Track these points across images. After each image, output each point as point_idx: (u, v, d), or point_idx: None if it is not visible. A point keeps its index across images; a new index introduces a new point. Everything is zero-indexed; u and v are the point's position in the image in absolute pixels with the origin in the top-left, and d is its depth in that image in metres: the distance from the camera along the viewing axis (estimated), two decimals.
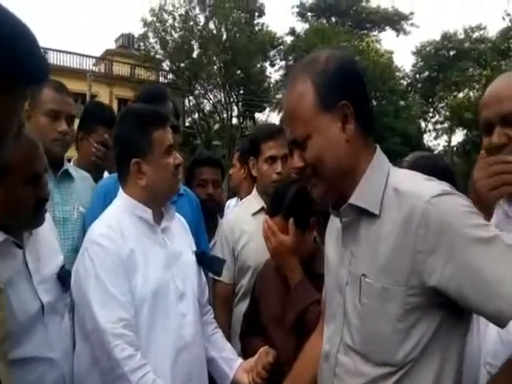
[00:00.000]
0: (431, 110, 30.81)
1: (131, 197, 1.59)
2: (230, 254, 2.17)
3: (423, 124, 31.02)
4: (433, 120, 31.16)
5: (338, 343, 1.16)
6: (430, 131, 31.40)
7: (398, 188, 1.06)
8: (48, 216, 1.68)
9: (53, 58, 23.86)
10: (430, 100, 30.12)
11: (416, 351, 1.02)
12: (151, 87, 2.58)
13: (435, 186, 1.04)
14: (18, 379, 1.29)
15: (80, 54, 25.36)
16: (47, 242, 1.56)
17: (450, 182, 1.49)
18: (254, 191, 2.28)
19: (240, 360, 1.73)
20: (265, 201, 2.15)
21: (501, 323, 0.95)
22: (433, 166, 1.75)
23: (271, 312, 1.74)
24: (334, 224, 1.25)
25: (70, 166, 2.17)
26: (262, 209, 2.15)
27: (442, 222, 0.97)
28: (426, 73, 30.31)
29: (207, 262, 1.79)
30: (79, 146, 2.53)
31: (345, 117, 1.10)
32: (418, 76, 31.06)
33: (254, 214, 2.18)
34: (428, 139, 31.25)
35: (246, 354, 1.81)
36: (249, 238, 2.14)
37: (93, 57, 26.55)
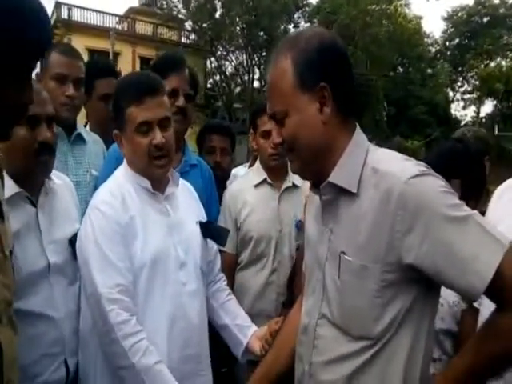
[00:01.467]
0: (460, 78, 29.87)
1: (129, 166, 1.61)
2: (232, 224, 2.21)
3: (451, 93, 30.21)
4: (461, 89, 30.34)
5: (316, 317, 1.18)
6: (457, 101, 30.63)
7: (376, 167, 1.08)
8: (71, 186, 1.73)
9: (76, 16, 23.80)
10: (460, 69, 29.13)
11: (393, 325, 1.05)
12: (167, 55, 2.46)
13: (413, 166, 1.05)
14: (21, 333, 1.29)
15: (103, 12, 25.11)
16: (64, 208, 1.58)
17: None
18: (258, 163, 2.32)
19: (254, 327, 1.74)
20: (266, 173, 2.23)
21: (473, 298, 1.03)
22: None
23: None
24: (314, 201, 1.27)
25: (83, 130, 2.15)
26: (265, 181, 2.22)
27: (418, 202, 0.99)
28: (457, 40, 29.23)
29: (212, 232, 1.77)
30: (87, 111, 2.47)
31: (323, 98, 1.10)
32: (447, 43, 29.97)
33: (257, 185, 2.23)
34: (455, 109, 30.61)
35: None
36: (251, 210, 2.19)
37: (116, 15, 26.29)
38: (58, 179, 1.63)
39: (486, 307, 1.13)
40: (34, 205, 1.49)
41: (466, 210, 1.01)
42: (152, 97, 1.52)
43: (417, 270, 1.01)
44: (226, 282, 1.87)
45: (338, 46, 1.16)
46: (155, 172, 1.57)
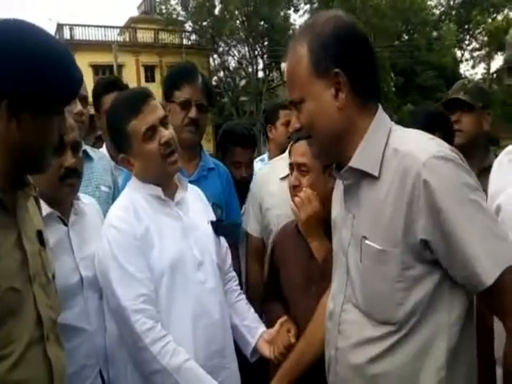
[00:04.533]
0: (467, 37, 28.88)
1: (138, 179, 1.64)
2: (258, 209, 2.26)
3: (459, 53, 29.19)
4: (469, 48, 29.26)
5: (341, 302, 1.20)
6: (466, 60, 29.61)
7: (397, 148, 1.07)
8: (97, 206, 1.80)
9: (79, 34, 24.37)
10: (466, 27, 28.22)
11: (418, 311, 1.05)
12: (180, 65, 2.45)
13: (433, 146, 1.04)
14: None
15: (104, 26, 25.59)
16: (92, 226, 1.62)
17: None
18: (286, 153, 2.13)
19: (262, 328, 1.77)
20: None
21: (475, 289, 1.02)
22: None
23: (293, 281, 1.71)
24: (338, 186, 1.29)
25: (88, 147, 2.16)
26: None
27: (434, 188, 0.98)
28: None
29: (223, 229, 1.82)
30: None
31: (337, 84, 1.10)
32: (451, 2, 29.06)
33: (282, 178, 2.15)
34: (465, 69, 29.59)
35: (267, 321, 1.83)
36: (274, 203, 2.17)
37: (116, 27, 26.76)
38: (86, 199, 1.72)
39: None
40: (65, 224, 1.56)
41: (479, 195, 1.01)
42: (145, 103, 1.56)
43: (433, 252, 1.02)
44: (236, 282, 1.90)
45: (354, 30, 1.15)
46: (170, 170, 1.60)
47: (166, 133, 1.57)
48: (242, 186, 2.42)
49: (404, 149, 1.06)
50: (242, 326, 1.77)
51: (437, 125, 1.92)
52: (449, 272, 1.03)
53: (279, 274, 1.79)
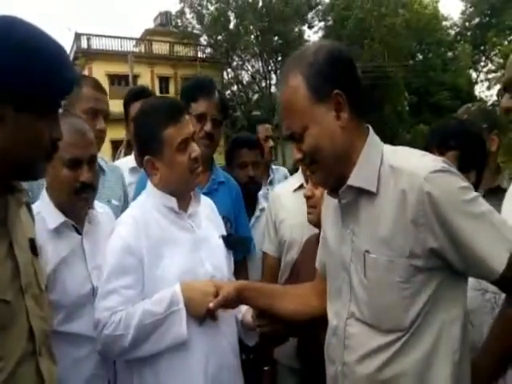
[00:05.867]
0: (483, 58, 28.88)
1: (156, 187, 1.62)
2: (272, 227, 2.26)
3: (474, 74, 29.23)
4: (485, 69, 29.26)
5: (345, 317, 1.20)
6: (481, 82, 29.54)
7: (394, 165, 1.11)
8: (111, 214, 1.80)
9: (95, 44, 24.63)
10: (482, 48, 28.19)
11: (421, 314, 1.09)
12: (198, 79, 2.49)
13: (430, 162, 1.09)
14: (66, 355, 1.40)
15: (121, 37, 25.90)
16: (106, 235, 1.61)
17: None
18: (300, 168, 2.28)
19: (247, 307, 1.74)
20: (305, 179, 2.16)
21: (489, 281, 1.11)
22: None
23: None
24: (330, 205, 1.31)
25: (101, 160, 2.16)
26: (302, 186, 2.17)
27: (437, 197, 1.03)
28: (477, 19, 28.28)
29: (234, 243, 1.82)
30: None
31: (338, 104, 1.13)
32: (467, 24, 29.08)
33: (295, 190, 2.20)
34: (480, 90, 29.51)
35: None
36: (287, 214, 2.19)
37: (133, 38, 27.05)
38: (100, 208, 1.73)
39: None
40: (79, 233, 1.58)
41: (481, 205, 1.07)
42: (183, 115, 1.59)
43: (442, 258, 1.07)
44: None
45: (345, 53, 1.20)
46: (193, 184, 1.64)
47: (196, 148, 1.61)
48: (250, 191, 2.44)
49: (401, 165, 1.10)
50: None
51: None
52: (463, 272, 1.09)
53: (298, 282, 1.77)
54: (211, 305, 1.43)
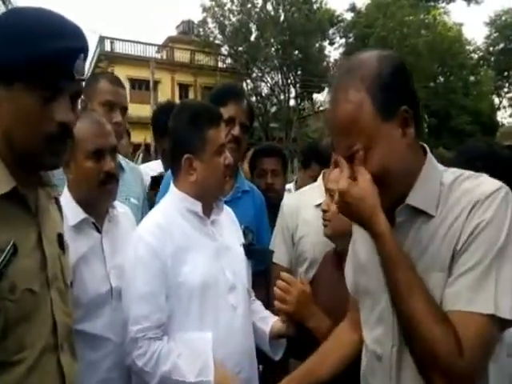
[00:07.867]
0: (506, 84, 28.59)
1: (182, 191, 1.60)
2: (289, 238, 2.12)
3: (496, 100, 28.94)
4: (508, 95, 28.95)
5: (390, 345, 1.14)
6: (504, 108, 29.23)
7: (453, 187, 1.07)
8: (131, 215, 1.79)
9: (119, 48, 25.04)
10: (506, 74, 27.91)
11: None
12: (229, 84, 2.57)
13: (489, 182, 1.05)
14: (82, 357, 1.34)
15: (143, 43, 26.25)
16: (125, 235, 1.61)
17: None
18: (320, 180, 2.16)
19: (276, 318, 1.74)
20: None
21: None
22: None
23: (322, 304, 1.70)
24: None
25: (121, 157, 2.15)
26: None
27: (489, 216, 0.99)
28: (501, 45, 28.01)
29: (255, 253, 1.79)
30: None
31: (404, 121, 1.05)
32: (491, 49, 28.80)
33: (318, 205, 2.02)
34: (502, 116, 29.10)
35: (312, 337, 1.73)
36: (309, 230, 2.05)
37: (155, 45, 27.40)
38: (120, 208, 1.71)
39: None
40: (99, 231, 1.56)
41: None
42: (222, 122, 1.64)
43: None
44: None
45: (402, 62, 1.11)
46: (223, 190, 1.69)
47: (230, 156, 1.63)
48: (270, 200, 2.37)
49: (462, 186, 1.06)
50: (257, 321, 1.74)
51: None
52: None
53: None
54: None
